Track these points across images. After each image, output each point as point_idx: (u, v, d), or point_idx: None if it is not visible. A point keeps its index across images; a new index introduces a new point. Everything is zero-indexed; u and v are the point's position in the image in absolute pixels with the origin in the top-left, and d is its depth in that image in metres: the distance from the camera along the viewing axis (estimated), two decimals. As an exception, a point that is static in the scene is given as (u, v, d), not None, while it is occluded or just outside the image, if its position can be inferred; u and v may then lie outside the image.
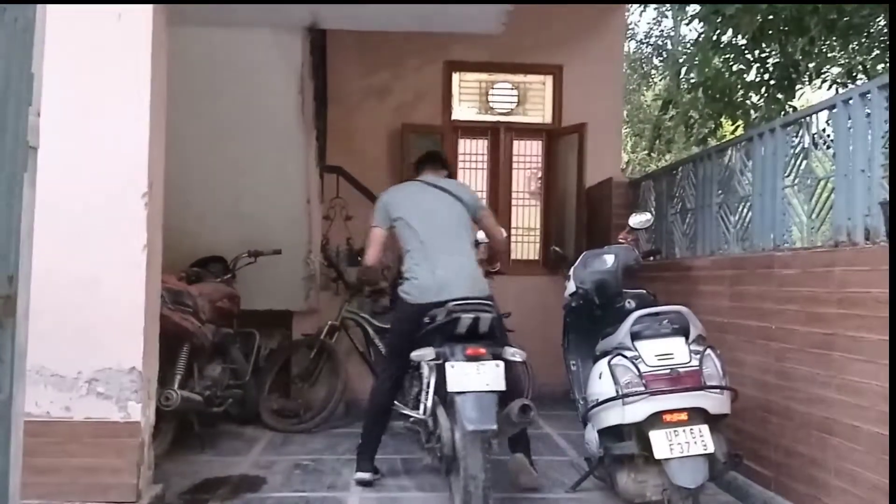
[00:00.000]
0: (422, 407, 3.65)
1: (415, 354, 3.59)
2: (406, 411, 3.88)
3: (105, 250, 3.27)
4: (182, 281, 4.76)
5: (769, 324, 3.85)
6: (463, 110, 7.52)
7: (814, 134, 3.82)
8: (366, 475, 4.05)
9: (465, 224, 4.07)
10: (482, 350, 3.44)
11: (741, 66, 9.40)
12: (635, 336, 3.41)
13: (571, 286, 4.24)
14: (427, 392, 3.60)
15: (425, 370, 3.60)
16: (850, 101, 3.45)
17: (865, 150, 3.32)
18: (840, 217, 3.45)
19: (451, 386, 3.37)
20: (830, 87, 9.60)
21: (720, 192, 4.71)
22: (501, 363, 3.44)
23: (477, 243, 4.37)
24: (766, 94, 9.69)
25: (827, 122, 3.76)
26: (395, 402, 4.07)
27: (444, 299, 3.64)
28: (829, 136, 3.72)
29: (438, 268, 3.83)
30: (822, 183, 3.75)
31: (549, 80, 7.51)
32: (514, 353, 3.55)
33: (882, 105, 3.22)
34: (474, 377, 3.36)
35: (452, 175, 4.69)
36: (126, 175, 3.27)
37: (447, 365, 3.42)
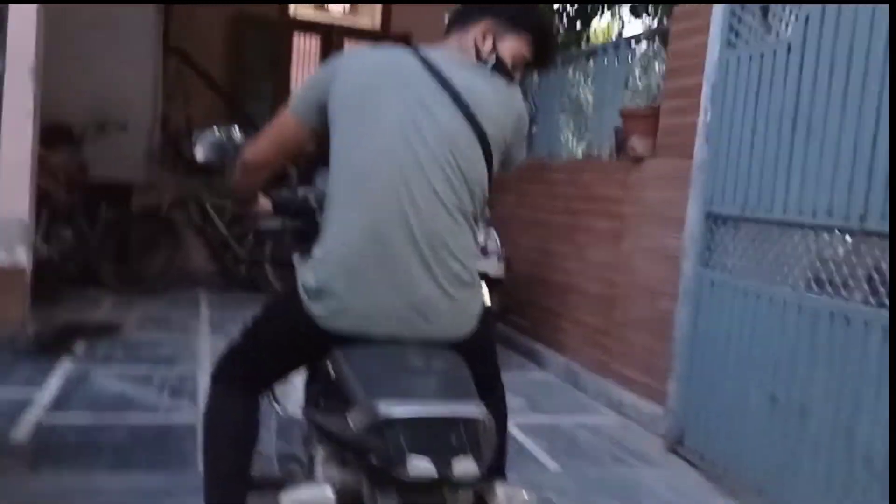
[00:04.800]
0: None
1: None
2: None
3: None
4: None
5: (539, 214, 5.08)
6: (300, 7, 8.01)
7: (585, 70, 4.99)
8: None
9: (475, 180, 1.65)
10: None
11: (549, -6, 10.57)
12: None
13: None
14: None
15: None
16: (618, 47, 4.61)
17: (618, 86, 4.52)
18: (594, 138, 4.67)
19: None
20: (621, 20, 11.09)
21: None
22: None
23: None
24: (567, 23, 10.99)
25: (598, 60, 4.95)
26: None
27: (382, 333, 1.58)
28: (593, 74, 4.91)
29: (386, 272, 1.58)
30: (585, 111, 4.96)
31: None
32: None
33: (641, 51, 4.41)
34: None
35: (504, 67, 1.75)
36: (17, 50, 3.72)
37: None
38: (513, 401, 4.06)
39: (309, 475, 1.67)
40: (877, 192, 2.43)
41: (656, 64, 3.99)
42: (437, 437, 1.34)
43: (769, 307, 2.86)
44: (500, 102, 1.66)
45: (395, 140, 1.57)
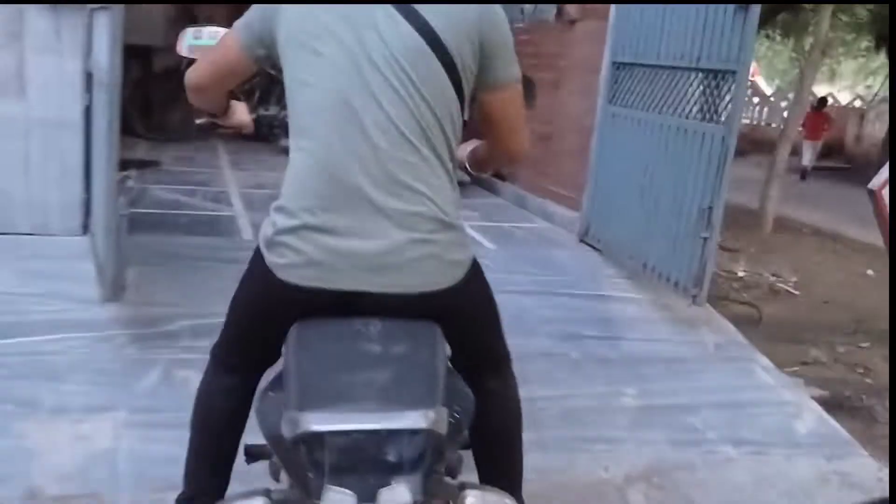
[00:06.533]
0: None
1: None
2: None
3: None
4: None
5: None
6: None
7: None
8: None
9: (440, 101, 1.45)
10: None
11: None
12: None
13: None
14: None
15: None
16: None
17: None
18: (545, 5, 5.65)
19: None
20: None
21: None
22: None
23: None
24: None
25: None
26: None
27: (345, 288, 1.45)
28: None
29: (342, 217, 1.44)
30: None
31: None
32: None
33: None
34: None
35: None
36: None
37: None
38: (470, 214, 5.29)
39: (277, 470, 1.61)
40: (708, 38, 3.50)
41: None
42: (368, 455, 1.19)
43: (644, 128, 3.99)
44: (459, 5, 1.43)
45: (343, 68, 1.40)
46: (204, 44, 2.18)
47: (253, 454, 1.68)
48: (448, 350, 1.48)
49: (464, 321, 1.53)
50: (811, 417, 3.08)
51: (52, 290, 3.02)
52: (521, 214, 5.38)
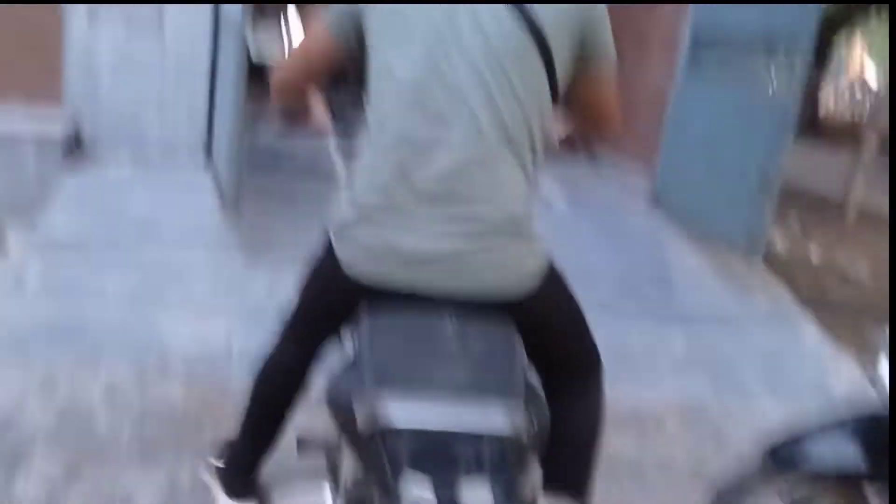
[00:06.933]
0: None
1: None
2: None
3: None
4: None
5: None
6: None
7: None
8: None
9: (533, 97, 1.40)
10: None
11: None
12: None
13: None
14: None
15: None
16: None
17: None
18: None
19: None
20: None
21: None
22: None
23: None
24: None
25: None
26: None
27: (408, 286, 1.40)
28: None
29: (407, 215, 1.39)
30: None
31: None
32: None
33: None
34: None
35: None
36: None
37: None
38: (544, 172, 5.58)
39: (335, 462, 1.59)
40: (779, 22, 3.69)
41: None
42: (448, 451, 1.16)
43: (716, 101, 4.21)
44: None
45: (432, 60, 1.34)
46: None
47: (306, 446, 1.67)
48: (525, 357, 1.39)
49: (544, 331, 1.47)
50: (848, 377, 3.29)
51: (180, 212, 3.54)
52: (594, 175, 5.62)
